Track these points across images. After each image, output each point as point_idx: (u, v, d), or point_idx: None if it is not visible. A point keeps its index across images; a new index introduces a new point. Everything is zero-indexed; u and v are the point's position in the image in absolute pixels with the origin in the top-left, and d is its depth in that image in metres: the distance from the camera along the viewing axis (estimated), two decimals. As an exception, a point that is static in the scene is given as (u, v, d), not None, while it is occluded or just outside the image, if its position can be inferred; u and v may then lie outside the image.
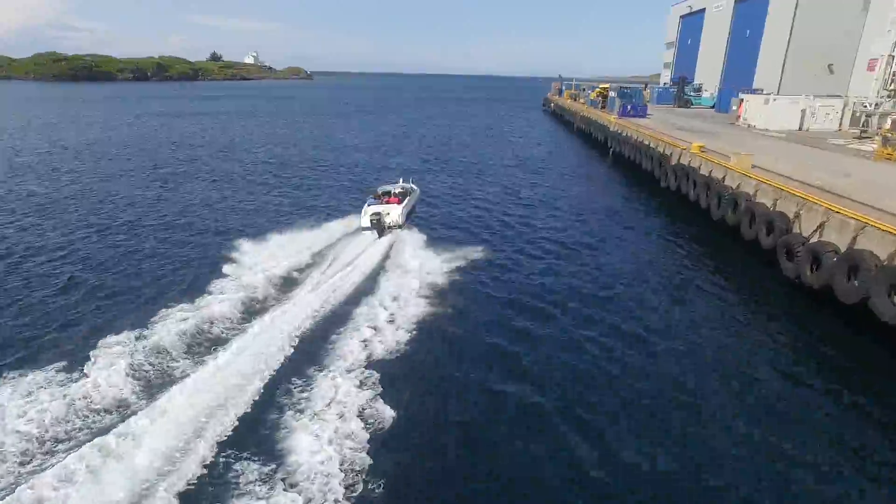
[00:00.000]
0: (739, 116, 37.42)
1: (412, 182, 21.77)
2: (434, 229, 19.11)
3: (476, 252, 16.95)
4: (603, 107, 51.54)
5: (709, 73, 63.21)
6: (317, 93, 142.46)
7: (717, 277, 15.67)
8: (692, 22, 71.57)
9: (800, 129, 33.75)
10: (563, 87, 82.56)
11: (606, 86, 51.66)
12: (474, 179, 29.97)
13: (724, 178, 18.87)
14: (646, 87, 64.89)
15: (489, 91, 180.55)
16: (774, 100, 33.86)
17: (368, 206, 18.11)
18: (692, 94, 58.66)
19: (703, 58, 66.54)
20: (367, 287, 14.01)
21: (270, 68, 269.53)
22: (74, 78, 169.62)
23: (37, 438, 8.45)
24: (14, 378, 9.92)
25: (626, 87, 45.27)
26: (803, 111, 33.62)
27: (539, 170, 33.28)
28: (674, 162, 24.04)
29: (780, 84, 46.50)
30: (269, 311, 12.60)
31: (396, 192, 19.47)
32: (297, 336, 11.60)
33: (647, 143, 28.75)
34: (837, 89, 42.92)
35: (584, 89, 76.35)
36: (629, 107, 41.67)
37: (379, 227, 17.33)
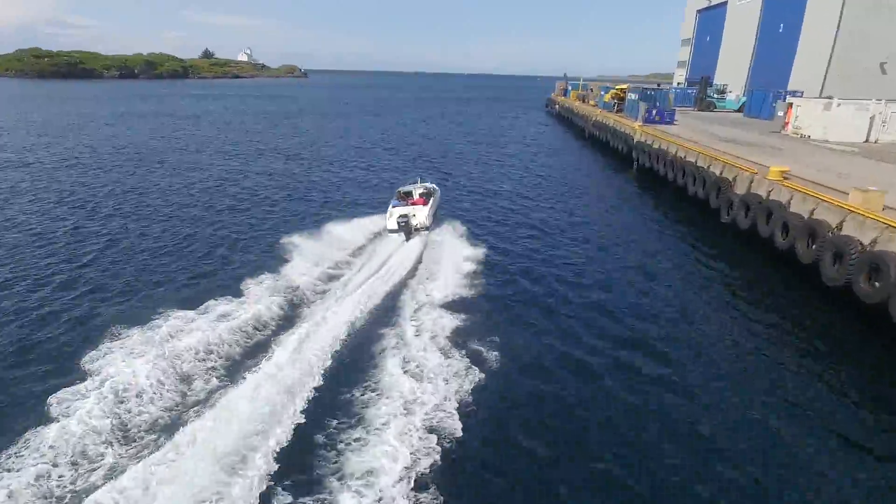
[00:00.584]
0: (787, 124, 31.73)
1: (430, 181, 20.98)
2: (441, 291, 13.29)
3: (497, 338, 11.20)
4: (619, 110, 45.77)
5: (732, 73, 57.54)
6: (311, 92, 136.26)
7: (860, 381, 9.95)
8: (712, 16, 65.89)
9: (866, 140, 28.12)
10: (570, 87, 76.67)
11: (625, 86, 45.77)
12: (484, 202, 24.17)
13: (840, 223, 13.10)
14: (658, 86, 59.14)
15: (488, 90, 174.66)
16: (838, 105, 28.10)
17: (393, 207, 17.52)
18: (715, 96, 52.87)
19: (725, 56, 60.87)
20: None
21: (264, 66, 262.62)
22: (58, 75, 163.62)
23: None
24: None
25: (649, 89, 39.43)
26: (872, 119, 27.96)
27: (561, 193, 27.22)
28: (741, 190, 18.26)
29: (823, 86, 40.86)
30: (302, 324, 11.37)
31: (421, 192, 18.97)
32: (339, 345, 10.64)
33: (693, 160, 22.98)
34: (893, 91, 37.34)
35: (591, 89, 70.61)
36: (654, 112, 35.89)
37: (406, 229, 16.68)
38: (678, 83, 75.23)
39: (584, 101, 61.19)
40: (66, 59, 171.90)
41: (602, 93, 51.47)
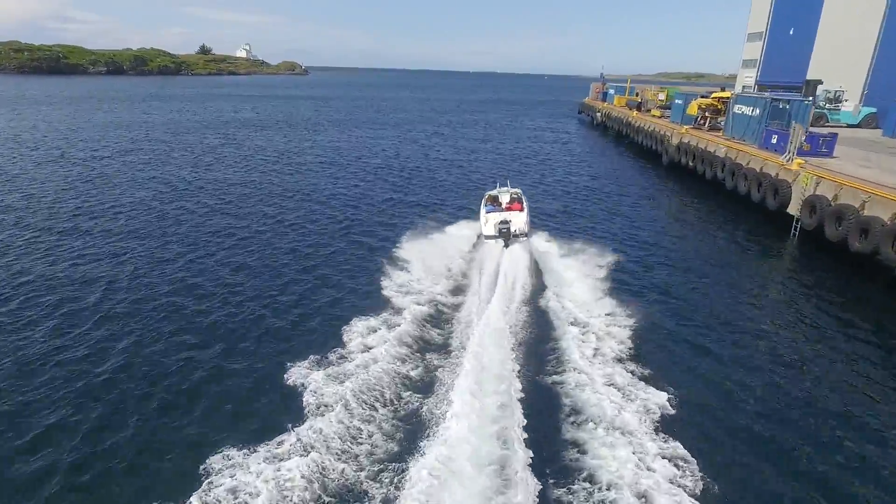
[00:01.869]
0: None
1: (510, 184, 19.55)
2: None
3: None
4: (711, 128, 32.98)
5: (837, 75, 44.37)
6: (306, 91, 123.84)
7: None
8: (796, 4, 52.90)
9: None
10: (610, 91, 63.75)
11: (725, 94, 32.76)
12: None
13: None
14: (722, 90, 45.96)
15: (499, 90, 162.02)
16: None
17: (488, 213, 16.99)
18: (826, 105, 39.91)
19: (822, 53, 47.80)
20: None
21: (263, 62, 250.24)
22: (40, 70, 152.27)
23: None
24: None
25: (780, 101, 26.38)
26: None
27: (707, 316, 14.71)
28: None
29: None
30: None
31: (512, 196, 18.22)
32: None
33: None
34: None
35: (637, 93, 57.73)
36: (805, 139, 23.09)
37: (506, 235, 16.03)
38: (744, 86, 62.26)
39: (639, 111, 48.27)
40: (47, 54, 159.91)
41: (678, 101, 38.47)
